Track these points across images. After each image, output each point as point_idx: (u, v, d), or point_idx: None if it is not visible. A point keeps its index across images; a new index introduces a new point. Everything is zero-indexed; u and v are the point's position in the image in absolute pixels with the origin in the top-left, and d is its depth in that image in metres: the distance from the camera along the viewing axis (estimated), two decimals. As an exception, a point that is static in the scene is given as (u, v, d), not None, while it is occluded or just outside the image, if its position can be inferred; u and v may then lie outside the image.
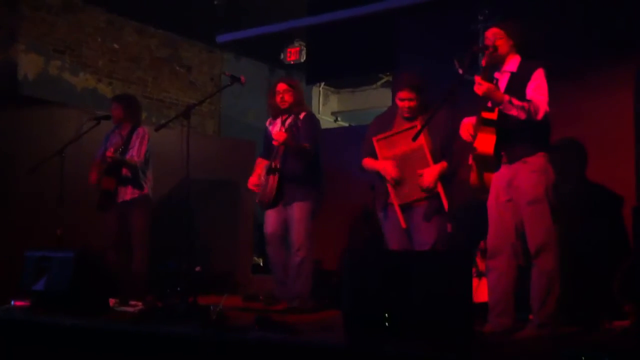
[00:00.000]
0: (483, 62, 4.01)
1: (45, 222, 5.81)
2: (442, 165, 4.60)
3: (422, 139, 4.53)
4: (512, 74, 4.05)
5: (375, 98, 10.13)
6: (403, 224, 4.65)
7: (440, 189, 4.59)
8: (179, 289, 5.31)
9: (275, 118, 5.54)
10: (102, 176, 5.74)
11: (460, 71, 4.23)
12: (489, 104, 3.96)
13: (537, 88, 3.92)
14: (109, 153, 5.62)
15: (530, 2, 5.46)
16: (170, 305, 4.55)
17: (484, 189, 4.21)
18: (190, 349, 3.76)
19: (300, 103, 5.47)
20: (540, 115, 3.87)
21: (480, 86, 3.86)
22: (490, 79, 3.98)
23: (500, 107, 3.87)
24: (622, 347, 3.56)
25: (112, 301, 5.10)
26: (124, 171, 5.75)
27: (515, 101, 3.85)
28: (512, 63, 4.07)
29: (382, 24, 6.81)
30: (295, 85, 5.49)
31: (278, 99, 5.41)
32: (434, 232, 4.62)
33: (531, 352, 3.46)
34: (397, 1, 6.58)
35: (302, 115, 5.39)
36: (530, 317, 4.01)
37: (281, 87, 5.42)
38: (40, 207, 6.16)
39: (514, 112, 3.86)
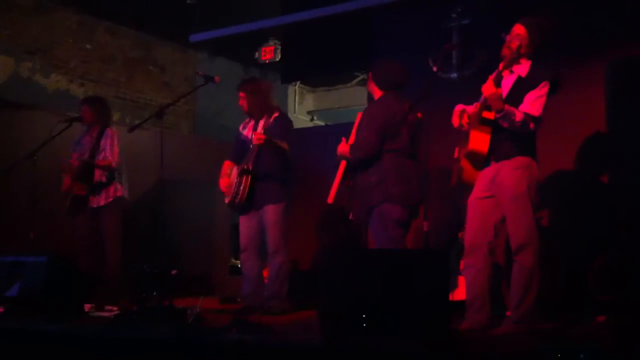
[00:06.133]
0: (500, 66, 4.00)
1: (18, 226, 5.75)
2: (345, 146, 4.71)
3: (354, 129, 4.77)
4: (520, 77, 4.05)
5: (351, 96, 10.11)
6: (330, 199, 4.72)
7: (338, 172, 4.69)
8: (155, 292, 5.27)
9: (250, 119, 5.52)
10: (73, 181, 5.67)
11: (435, 69, 4.24)
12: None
13: (536, 101, 3.93)
14: (74, 159, 5.55)
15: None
16: (147, 308, 4.51)
17: (461, 184, 4.23)
18: (167, 352, 3.72)
19: (264, 105, 5.39)
20: (529, 130, 3.92)
21: (488, 88, 3.87)
22: (499, 82, 3.99)
23: (498, 115, 3.89)
24: (599, 343, 3.58)
25: (87, 306, 5.06)
26: (97, 176, 5.68)
27: (511, 114, 3.86)
28: (523, 66, 4.06)
29: (357, 23, 6.81)
30: (251, 90, 5.40)
31: (240, 104, 5.46)
32: (374, 237, 4.65)
33: (507, 349, 3.46)
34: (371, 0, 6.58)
35: (274, 116, 5.36)
36: (508, 313, 4.03)
37: (240, 94, 5.44)
38: (13, 210, 6.09)
39: (505, 125, 3.90)
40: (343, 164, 4.70)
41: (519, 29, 4.02)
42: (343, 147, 4.69)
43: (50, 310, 4.59)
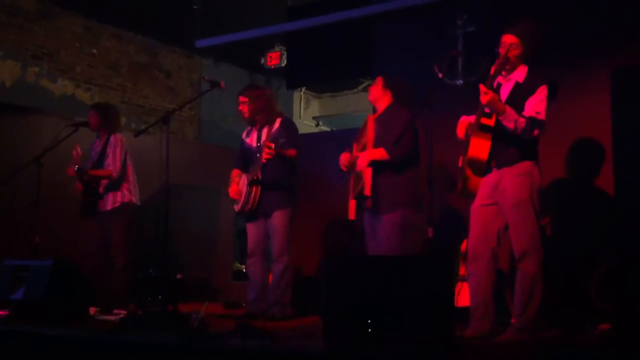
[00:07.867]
0: (492, 70, 4.01)
1: (22, 230, 5.75)
2: (379, 151, 4.68)
3: (371, 132, 4.74)
4: (517, 83, 4.05)
5: (357, 102, 10.12)
6: (351, 215, 4.78)
7: (367, 174, 4.65)
8: (160, 297, 5.28)
9: (251, 127, 5.54)
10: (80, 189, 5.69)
11: (440, 75, 4.25)
12: (487, 110, 3.97)
13: (538, 105, 3.92)
14: (70, 170, 5.56)
15: (507, 5, 5.49)
16: (151, 313, 4.51)
17: (467, 193, 4.23)
18: (171, 357, 3.72)
19: (267, 111, 5.42)
20: (534, 134, 3.92)
21: (486, 95, 3.87)
22: (493, 86, 4.00)
23: (500, 117, 3.89)
24: (602, 351, 3.57)
25: (92, 310, 5.07)
26: (102, 183, 5.70)
27: (515, 115, 3.87)
28: (519, 72, 4.06)
29: (361, 29, 6.82)
30: (253, 96, 5.44)
31: (239, 109, 5.48)
32: (385, 241, 4.65)
33: (511, 357, 3.45)
34: (375, 7, 6.59)
35: (277, 122, 5.38)
36: (513, 321, 4.02)
37: (239, 99, 5.48)
38: (18, 214, 6.10)
39: (510, 125, 3.89)
40: (352, 177, 4.77)
41: (508, 39, 4.03)
42: (365, 160, 4.68)
43: (54, 314, 4.59)
